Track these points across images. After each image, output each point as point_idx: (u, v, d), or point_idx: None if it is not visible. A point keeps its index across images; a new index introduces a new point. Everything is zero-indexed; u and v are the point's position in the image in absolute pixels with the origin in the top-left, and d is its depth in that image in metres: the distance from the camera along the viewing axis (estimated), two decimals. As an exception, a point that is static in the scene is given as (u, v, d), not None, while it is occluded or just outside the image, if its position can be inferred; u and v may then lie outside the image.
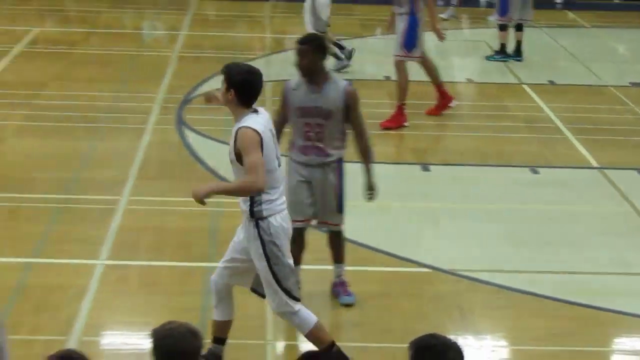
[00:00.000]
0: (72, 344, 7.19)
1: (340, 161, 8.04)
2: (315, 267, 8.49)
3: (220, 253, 8.73)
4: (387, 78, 14.79)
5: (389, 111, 12.90)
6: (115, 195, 10.16)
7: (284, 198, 6.89)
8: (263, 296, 6.95)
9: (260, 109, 6.72)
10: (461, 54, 17.85)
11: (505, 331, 8.14)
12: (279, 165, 6.84)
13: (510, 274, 8.93)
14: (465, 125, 13.43)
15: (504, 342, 8.04)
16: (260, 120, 6.64)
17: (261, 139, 6.55)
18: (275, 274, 6.75)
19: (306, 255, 8.11)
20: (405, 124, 12.97)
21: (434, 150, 12.71)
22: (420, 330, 4.51)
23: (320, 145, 7.90)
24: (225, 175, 10.69)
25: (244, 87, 6.65)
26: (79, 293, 8.13)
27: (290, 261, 6.88)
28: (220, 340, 7.17)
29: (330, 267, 8.22)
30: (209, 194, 6.66)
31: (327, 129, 7.88)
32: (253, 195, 6.64)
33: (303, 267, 7.99)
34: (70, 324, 7.61)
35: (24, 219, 9.65)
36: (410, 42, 12.80)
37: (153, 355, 4.52)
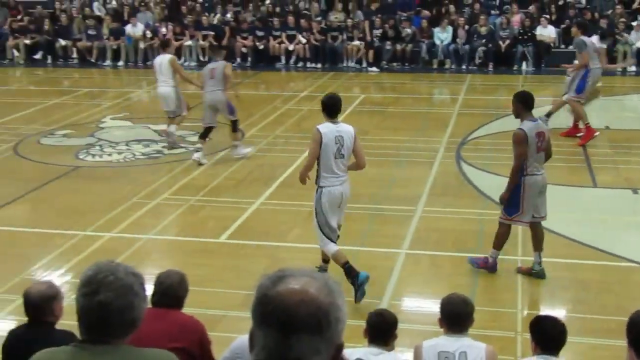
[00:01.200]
0: (384, 304, 7.36)
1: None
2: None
3: (485, 248, 8.73)
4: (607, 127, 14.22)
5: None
6: (413, 206, 10.28)
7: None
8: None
9: None
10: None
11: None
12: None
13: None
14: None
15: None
16: None
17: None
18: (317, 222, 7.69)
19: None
20: (596, 133, 13.25)
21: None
22: (633, 307, 4.18)
23: None
24: (490, 194, 10.63)
25: None
26: (388, 271, 8.28)
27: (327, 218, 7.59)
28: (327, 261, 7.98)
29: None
30: None
31: None
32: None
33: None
34: (382, 291, 7.77)
35: (352, 220, 9.80)
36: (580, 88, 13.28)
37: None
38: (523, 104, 7.87)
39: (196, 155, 12.45)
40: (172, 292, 4.76)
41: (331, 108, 7.59)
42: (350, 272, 7.45)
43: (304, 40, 22.62)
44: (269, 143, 13.75)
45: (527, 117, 7.86)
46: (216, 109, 12.50)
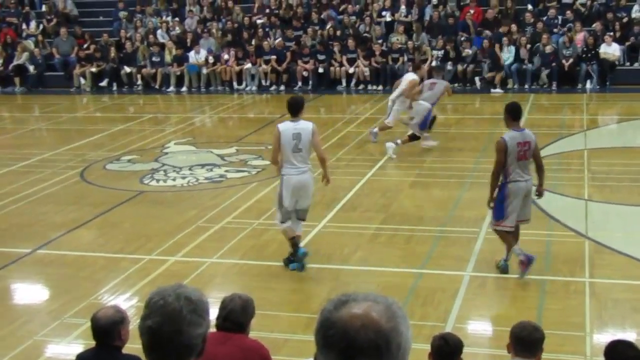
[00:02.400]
0: (448, 328, 7.27)
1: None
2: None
3: (552, 269, 8.57)
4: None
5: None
6: (477, 227, 10.18)
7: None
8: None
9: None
10: None
11: None
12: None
13: None
14: None
15: None
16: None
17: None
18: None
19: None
20: None
21: None
22: None
23: None
24: (556, 214, 10.45)
25: None
26: (453, 294, 8.18)
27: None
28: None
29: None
30: None
31: None
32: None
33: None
34: (446, 314, 7.68)
35: (415, 242, 9.84)
36: None
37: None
38: (510, 114, 8.50)
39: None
40: (233, 317, 4.77)
41: (291, 108, 8.79)
42: (294, 246, 8.99)
43: (364, 63, 22.71)
44: (331, 166, 13.72)
45: (513, 126, 8.46)
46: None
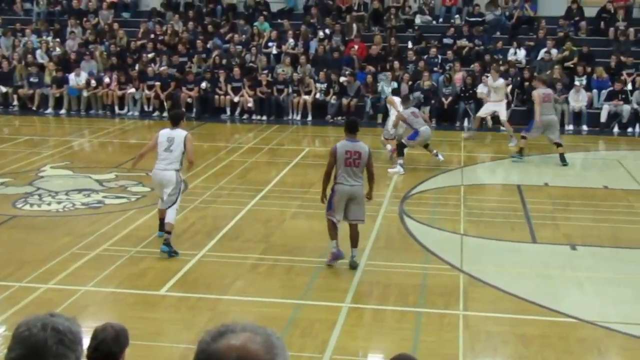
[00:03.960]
0: (325, 359, 7.29)
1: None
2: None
3: (429, 301, 8.77)
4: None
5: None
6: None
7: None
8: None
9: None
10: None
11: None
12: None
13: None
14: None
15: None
16: None
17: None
18: None
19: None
20: None
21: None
22: None
23: None
24: (433, 248, 10.72)
25: None
26: (331, 325, 8.21)
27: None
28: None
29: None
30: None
31: None
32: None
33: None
34: (324, 345, 7.69)
35: (296, 273, 9.85)
36: None
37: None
38: (346, 126, 10.25)
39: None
40: (104, 347, 4.61)
41: (171, 119, 11.13)
42: (160, 226, 10.94)
43: (249, 93, 22.75)
44: (213, 194, 13.69)
45: (347, 137, 10.07)
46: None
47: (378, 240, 11.19)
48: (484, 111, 19.83)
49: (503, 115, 19.35)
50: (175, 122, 10.85)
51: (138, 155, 11.24)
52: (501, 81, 19.41)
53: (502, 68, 21.26)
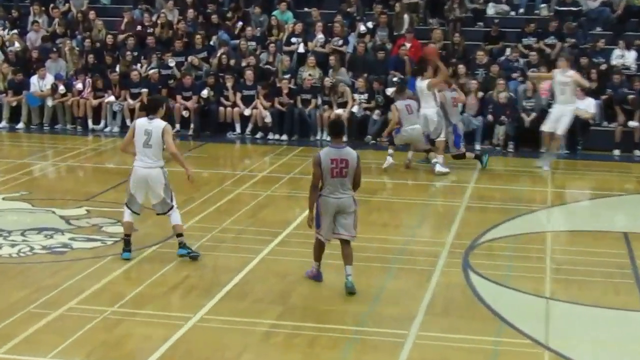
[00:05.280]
0: None
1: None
2: None
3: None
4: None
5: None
6: (404, 329, 10.22)
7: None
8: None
9: None
10: None
11: None
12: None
13: None
14: None
15: None
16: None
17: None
18: None
19: None
20: None
21: None
22: None
23: None
24: (507, 315, 10.64)
25: None
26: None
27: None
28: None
29: None
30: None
31: None
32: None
33: None
34: None
35: (322, 346, 9.75)
36: None
37: None
38: (329, 129, 11.60)
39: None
40: None
41: (147, 106, 12.76)
42: (127, 243, 12.46)
43: (265, 104, 22.87)
44: (214, 239, 13.72)
45: (332, 143, 11.08)
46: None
47: (434, 304, 11.11)
48: (550, 124, 19.57)
49: (563, 126, 19.25)
50: (152, 110, 12.23)
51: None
52: (570, 73, 19.26)
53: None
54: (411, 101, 18.82)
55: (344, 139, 19.36)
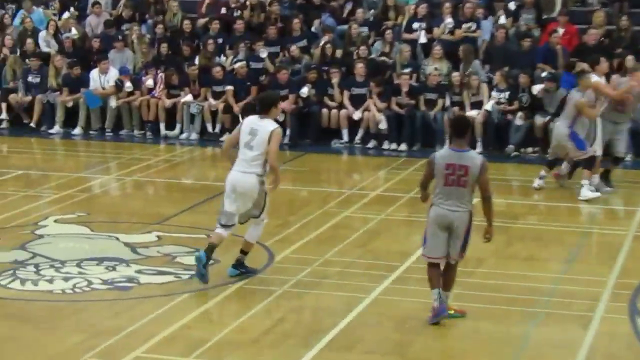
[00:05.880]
0: None
1: None
2: None
3: None
4: None
5: None
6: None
7: None
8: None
9: None
10: None
11: None
12: None
13: None
14: None
15: None
16: None
17: None
18: None
19: None
20: None
21: None
22: None
23: None
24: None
25: None
26: None
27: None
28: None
29: None
30: None
31: None
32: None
33: None
34: None
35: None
36: None
37: None
38: (451, 129, 12.17)
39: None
40: None
41: (259, 102, 13.71)
42: (209, 251, 12.82)
43: (380, 106, 22.84)
44: (314, 273, 13.74)
45: (452, 144, 11.52)
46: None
47: (592, 356, 10.97)
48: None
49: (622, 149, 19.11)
50: (264, 109, 12.80)
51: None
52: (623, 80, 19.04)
53: None
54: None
55: (478, 148, 19.56)
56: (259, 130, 12.53)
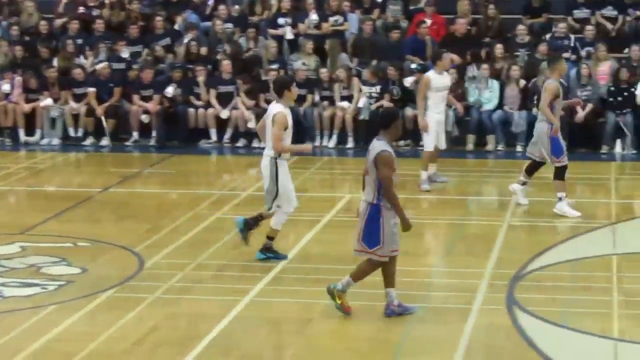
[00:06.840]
0: None
1: None
2: None
3: None
4: None
5: None
6: None
7: None
8: None
9: None
10: None
11: None
12: None
13: None
14: None
15: None
16: None
17: None
18: None
19: None
20: None
21: None
22: None
23: None
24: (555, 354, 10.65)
25: None
26: None
27: None
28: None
29: None
30: None
31: None
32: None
33: None
34: None
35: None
36: None
37: None
38: (377, 122, 12.40)
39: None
40: None
41: (273, 88, 14.34)
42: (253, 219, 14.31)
43: (248, 103, 22.86)
44: (187, 278, 13.69)
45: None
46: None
47: (472, 349, 11.12)
48: None
49: None
50: (277, 94, 13.97)
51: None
52: None
53: None
54: None
55: (349, 142, 19.65)
56: (269, 114, 13.83)
